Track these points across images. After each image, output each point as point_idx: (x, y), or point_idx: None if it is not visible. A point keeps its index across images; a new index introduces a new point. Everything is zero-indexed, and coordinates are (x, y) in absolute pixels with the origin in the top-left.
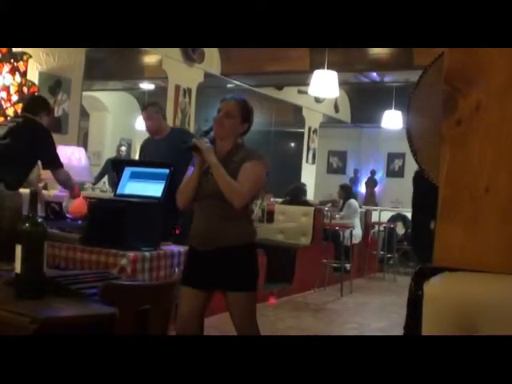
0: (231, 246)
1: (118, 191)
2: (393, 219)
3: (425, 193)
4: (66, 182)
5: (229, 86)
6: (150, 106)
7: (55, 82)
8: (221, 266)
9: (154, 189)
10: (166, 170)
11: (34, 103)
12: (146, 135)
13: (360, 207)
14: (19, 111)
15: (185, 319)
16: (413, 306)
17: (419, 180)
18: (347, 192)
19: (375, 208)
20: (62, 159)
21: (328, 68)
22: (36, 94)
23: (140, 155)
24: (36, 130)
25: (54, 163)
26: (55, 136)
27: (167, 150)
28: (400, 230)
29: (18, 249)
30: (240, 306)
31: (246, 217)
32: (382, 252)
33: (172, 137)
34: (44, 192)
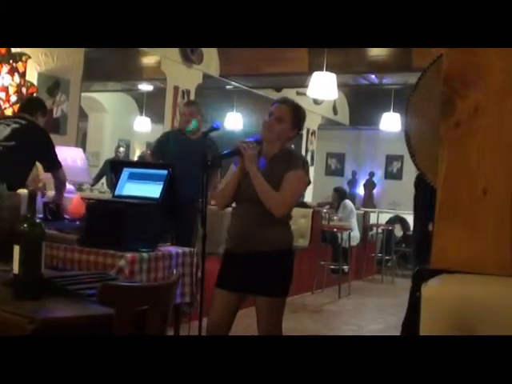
0: (267, 251)
1: (117, 192)
2: (391, 221)
3: (427, 195)
4: (64, 182)
5: (227, 87)
6: (195, 104)
7: (54, 83)
8: (255, 269)
9: (152, 190)
10: (165, 171)
11: (31, 104)
12: (145, 136)
13: (358, 209)
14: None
15: (216, 321)
16: (411, 307)
17: (421, 182)
18: (341, 194)
19: (373, 210)
20: (61, 160)
21: (327, 70)
22: (34, 95)
23: (161, 149)
24: (37, 132)
25: (54, 165)
26: (54, 137)
27: (200, 152)
28: (398, 232)
29: (16, 249)
30: (267, 311)
31: (284, 222)
32: (380, 254)
33: (205, 141)
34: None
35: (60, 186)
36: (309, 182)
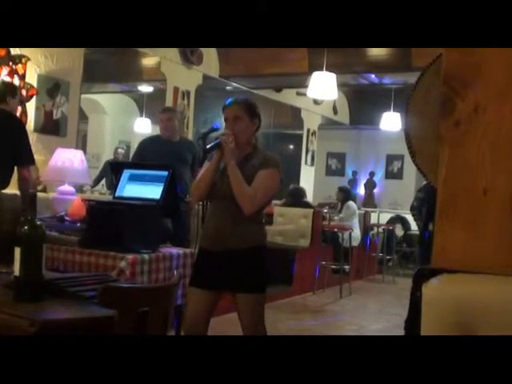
0: (241, 248)
1: (117, 194)
2: (392, 221)
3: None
4: (33, 180)
5: (227, 88)
6: (172, 110)
7: (54, 85)
8: (230, 267)
9: (152, 191)
10: (165, 173)
11: None
12: (144, 137)
13: (359, 209)
14: None
15: (192, 320)
16: (412, 307)
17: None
18: (346, 194)
19: (374, 210)
20: (61, 162)
21: (327, 70)
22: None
23: (142, 152)
24: (10, 119)
25: (28, 157)
26: (54, 138)
27: (181, 152)
28: (399, 231)
29: (17, 251)
30: (248, 308)
31: (258, 220)
32: (381, 254)
33: (183, 142)
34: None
35: (25, 187)
36: (281, 181)
